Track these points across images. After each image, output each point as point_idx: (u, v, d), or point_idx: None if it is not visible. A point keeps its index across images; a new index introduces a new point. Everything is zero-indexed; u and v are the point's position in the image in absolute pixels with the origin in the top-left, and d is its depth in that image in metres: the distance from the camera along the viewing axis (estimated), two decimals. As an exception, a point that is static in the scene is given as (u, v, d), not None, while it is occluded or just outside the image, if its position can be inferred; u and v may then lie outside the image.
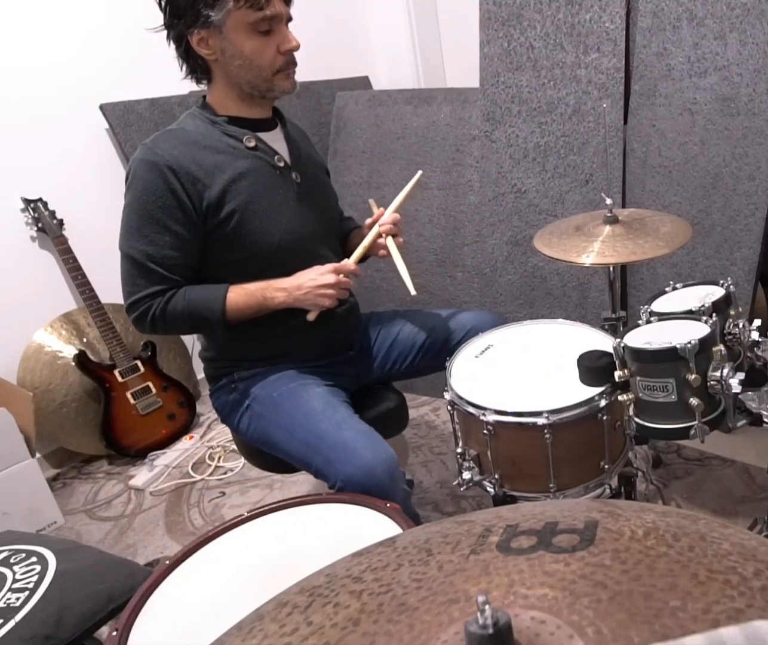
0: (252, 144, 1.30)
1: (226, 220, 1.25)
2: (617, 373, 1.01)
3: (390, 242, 1.40)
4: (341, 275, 1.29)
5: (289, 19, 1.26)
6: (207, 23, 1.18)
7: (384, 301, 2.54)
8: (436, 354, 1.49)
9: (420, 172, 1.36)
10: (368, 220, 1.44)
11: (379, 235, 1.40)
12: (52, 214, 2.31)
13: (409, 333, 1.53)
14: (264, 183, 1.29)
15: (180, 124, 1.31)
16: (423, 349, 1.52)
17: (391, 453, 1.19)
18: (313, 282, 1.26)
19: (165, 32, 1.26)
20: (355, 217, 2.51)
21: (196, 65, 1.26)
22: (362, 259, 1.41)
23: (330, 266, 1.28)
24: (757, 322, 1.06)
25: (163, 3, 1.22)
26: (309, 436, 1.24)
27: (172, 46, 1.27)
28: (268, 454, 1.37)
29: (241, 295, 1.26)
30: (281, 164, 1.33)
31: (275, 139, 1.35)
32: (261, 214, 1.28)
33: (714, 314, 1.00)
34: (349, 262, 1.33)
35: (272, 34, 1.22)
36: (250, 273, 1.30)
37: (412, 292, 1.32)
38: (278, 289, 1.27)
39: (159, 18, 1.26)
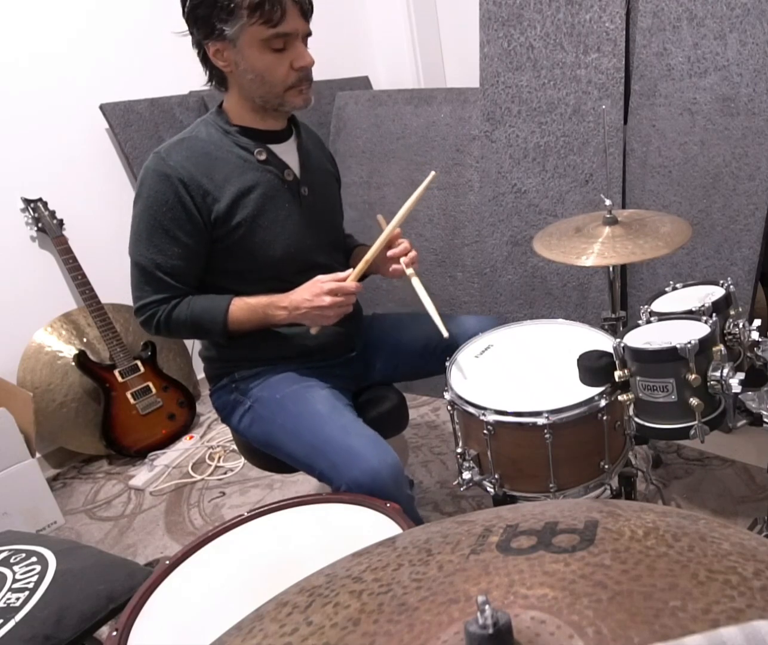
0: (263, 157, 1.30)
1: (233, 232, 1.27)
2: (617, 373, 1.01)
3: (414, 279, 1.33)
4: (338, 295, 1.24)
5: (308, 34, 1.25)
6: (222, 36, 1.18)
7: (384, 301, 2.54)
8: (438, 358, 1.48)
9: (433, 172, 1.29)
10: (380, 240, 1.32)
11: (389, 258, 1.34)
12: (52, 214, 2.31)
13: (412, 337, 1.53)
14: (271, 197, 1.30)
15: (193, 132, 1.30)
16: (426, 353, 1.51)
17: (396, 458, 1.19)
18: (309, 303, 1.24)
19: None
20: (354, 217, 2.53)
21: (212, 74, 1.27)
22: (364, 276, 1.36)
23: (326, 287, 1.23)
24: (757, 322, 1.06)
25: (183, 9, 1.22)
26: (314, 439, 1.24)
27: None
28: (268, 454, 1.37)
29: (243, 309, 1.27)
30: (290, 178, 1.34)
31: (287, 151, 1.35)
32: (266, 227, 1.29)
33: (714, 314, 1.00)
34: (348, 283, 1.26)
35: (286, 51, 1.20)
36: (250, 281, 1.31)
37: (445, 334, 1.25)
38: (279, 308, 1.27)
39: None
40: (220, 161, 1.27)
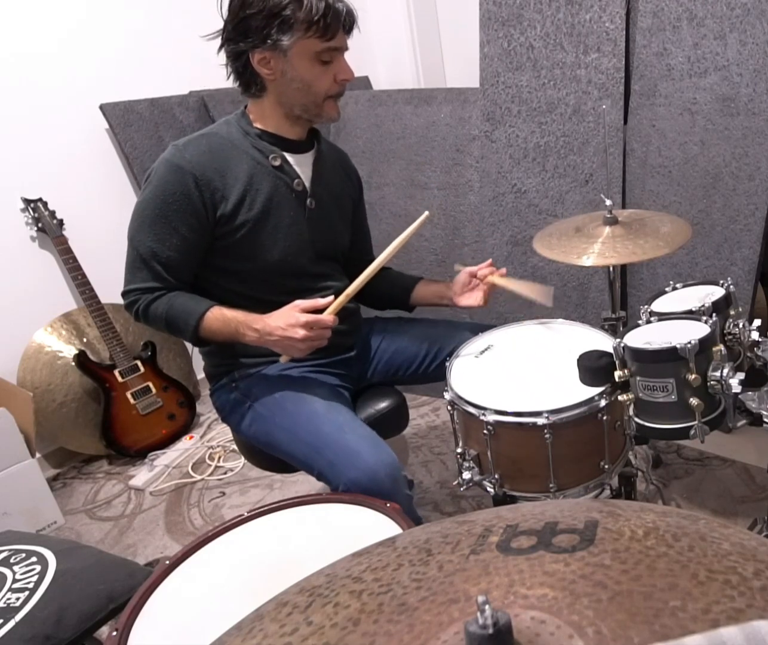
0: (277, 163, 1.31)
1: (235, 231, 1.28)
2: (617, 373, 1.01)
3: (497, 278, 1.40)
4: (313, 329, 1.19)
5: (347, 49, 1.29)
6: (274, 46, 1.20)
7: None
8: (440, 365, 1.48)
9: (426, 212, 1.29)
10: (365, 275, 1.28)
11: (465, 287, 1.42)
12: (52, 214, 2.31)
13: (414, 342, 1.53)
14: (278, 202, 1.31)
15: (214, 129, 1.33)
16: (427, 359, 1.51)
17: (394, 457, 1.19)
18: (282, 332, 1.20)
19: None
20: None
21: (251, 81, 1.27)
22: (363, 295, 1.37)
23: (302, 319, 1.18)
24: (757, 322, 1.06)
25: (230, 18, 1.22)
26: (312, 438, 1.24)
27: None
28: (268, 454, 1.37)
29: (218, 318, 1.26)
30: (299, 188, 1.35)
31: (302, 163, 1.37)
32: (268, 231, 1.30)
33: (714, 314, 1.00)
34: (325, 317, 1.21)
35: (332, 64, 1.25)
36: (243, 282, 1.32)
37: (549, 304, 1.31)
38: (251, 329, 1.24)
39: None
40: (234, 160, 1.28)
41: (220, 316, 1.26)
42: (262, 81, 1.27)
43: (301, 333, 1.18)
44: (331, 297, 1.24)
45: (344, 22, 1.23)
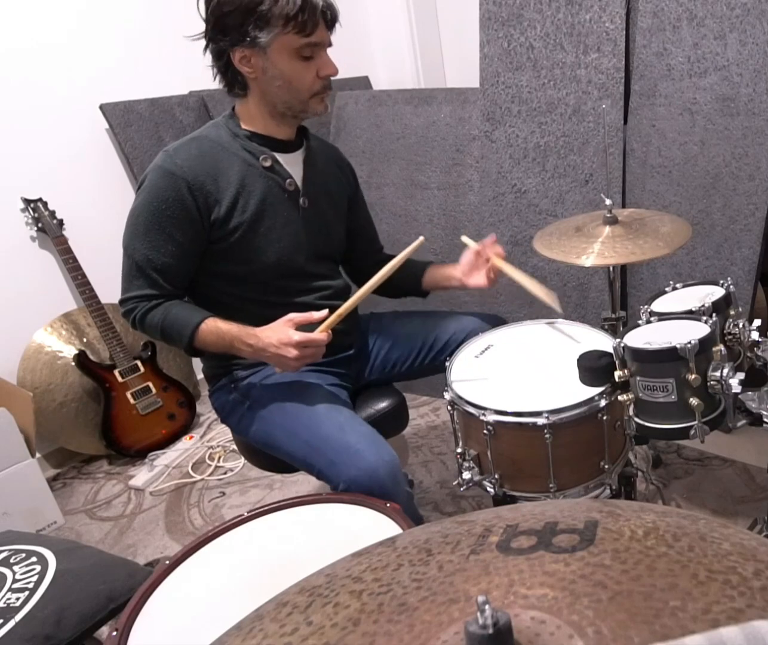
0: (268, 164, 1.31)
1: (230, 234, 1.27)
2: (617, 373, 1.01)
3: (502, 263, 1.37)
4: (307, 348, 1.18)
5: (330, 45, 1.28)
6: (253, 43, 1.19)
7: (383, 300, 2.53)
8: (436, 356, 1.49)
9: (421, 238, 1.24)
10: (359, 295, 1.26)
11: (471, 270, 1.41)
12: (52, 214, 2.31)
13: (410, 335, 1.53)
14: (271, 203, 1.31)
15: (203, 132, 1.32)
16: (423, 351, 1.52)
17: (394, 455, 1.19)
18: (275, 349, 1.19)
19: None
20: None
21: (234, 80, 1.27)
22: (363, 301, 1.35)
23: (295, 339, 1.17)
24: (757, 322, 1.06)
25: (209, 17, 1.22)
26: (312, 437, 1.24)
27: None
28: (268, 454, 1.37)
29: (213, 331, 1.25)
30: (291, 188, 1.34)
31: (292, 162, 1.36)
32: (263, 233, 1.30)
33: (714, 314, 1.00)
34: (317, 336, 1.20)
35: (313, 59, 1.24)
36: (240, 285, 1.32)
37: (559, 311, 1.28)
38: (245, 344, 1.23)
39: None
40: (225, 163, 1.28)
41: (214, 329, 1.25)
42: (245, 80, 1.26)
43: (293, 353, 1.17)
44: (326, 311, 1.22)
45: (324, 17, 1.22)
